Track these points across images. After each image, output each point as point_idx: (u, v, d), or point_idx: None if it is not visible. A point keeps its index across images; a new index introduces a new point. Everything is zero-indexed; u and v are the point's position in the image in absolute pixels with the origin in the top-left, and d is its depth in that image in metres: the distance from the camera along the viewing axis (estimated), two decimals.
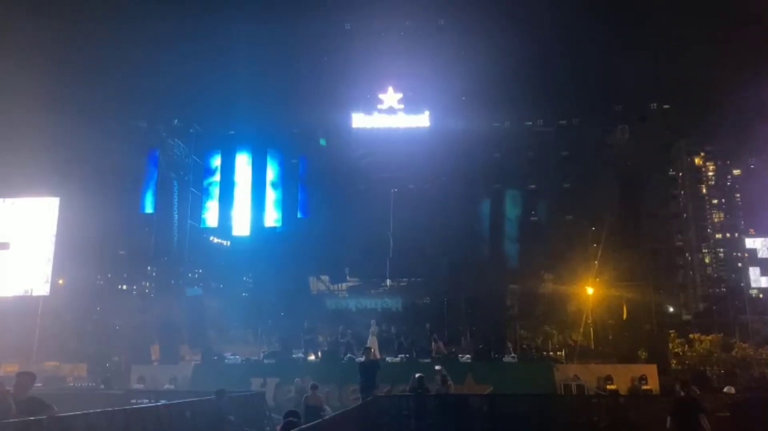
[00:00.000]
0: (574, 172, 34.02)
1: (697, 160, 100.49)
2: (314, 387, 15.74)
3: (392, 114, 33.30)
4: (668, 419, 10.95)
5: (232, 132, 33.60)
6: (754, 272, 43.66)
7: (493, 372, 21.85)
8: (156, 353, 27.48)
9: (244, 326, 34.70)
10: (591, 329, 32.39)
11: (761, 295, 54.38)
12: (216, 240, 38.14)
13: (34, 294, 34.02)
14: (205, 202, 32.81)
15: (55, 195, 35.27)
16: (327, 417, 13.16)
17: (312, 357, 24.69)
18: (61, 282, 40.01)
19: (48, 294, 34.25)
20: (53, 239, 33.92)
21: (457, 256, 31.74)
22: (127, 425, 11.37)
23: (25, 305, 34.82)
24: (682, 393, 12.38)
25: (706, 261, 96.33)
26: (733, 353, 35.89)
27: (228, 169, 32.87)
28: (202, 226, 33.07)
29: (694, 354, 36.27)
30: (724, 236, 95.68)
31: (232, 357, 25.51)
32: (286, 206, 32.76)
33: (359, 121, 33.14)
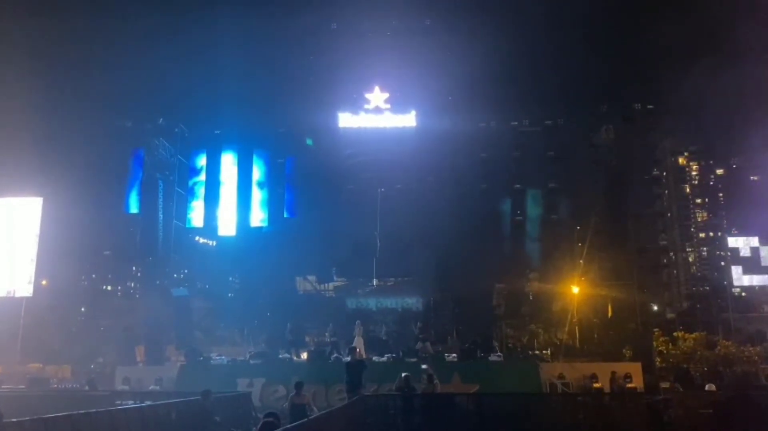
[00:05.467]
0: (559, 171, 34.23)
1: (681, 160, 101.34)
2: (299, 386, 15.70)
3: (379, 113, 33.34)
4: None
5: (218, 131, 33.49)
6: (736, 271, 44.15)
7: (480, 371, 21.90)
8: (141, 354, 27.28)
9: (230, 326, 34.56)
10: (576, 328, 32.55)
11: (744, 294, 54.98)
12: (202, 240, 37.96)
13: (17, 295, 33.68)
14: (190, 202, 32.67)
15: (38, 194, 34.94)
16: (312, 416, 13.15)
17: (299, 357, 24.64)
18: (44, 282, 39.57)
19: (31, 295, 33.91)
20: (36, 239, 33.60)
21: (443, 256, 31.82)
22: (112, 426, 11.32)
23: (8, 306, 34.44)
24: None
25: (690, 260, 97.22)
26: (717, 351, 36.23)
27: (213, 169, 32.75)
28: (187, 226, 32.91)
29: (678, 352, 36.56)
30: (707, 235, 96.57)
31: (218, 357, 25.38)
32: (273, 206, 32.68)
33: (346, 120, 33.15)
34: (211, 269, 38.59)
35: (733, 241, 45.41)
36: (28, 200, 34.30)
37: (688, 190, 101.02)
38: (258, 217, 32.47)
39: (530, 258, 33.87)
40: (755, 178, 78.55)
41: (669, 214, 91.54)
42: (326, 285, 37.38)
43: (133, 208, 31.29)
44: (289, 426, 9.80)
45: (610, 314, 29.22)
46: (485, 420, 14.82)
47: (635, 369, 23.22)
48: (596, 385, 22.04)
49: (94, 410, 11.80)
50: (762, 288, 47.85)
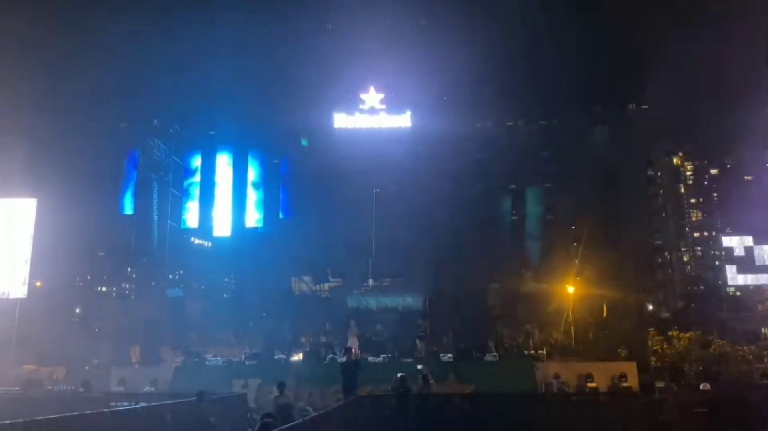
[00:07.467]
0: (554, 171, 34.32)
1: (675, 160, 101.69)
2: (281, 386, 15.76)
3: (374, 114, 33.31)
4: None
5: (213, 132, 33.45)
6: (730, 270, 44.23)
7: (475, 371, 21.91)
8: (136, 355, 27.21)
9: (225, 327, 34.49)
10: (572, 327, 32.63)
11: (738, 293, 55.14)
12: (197, 241, 37.84)
13: (11, 296, 33.50)
14: (185, 203, 32.61)
15: (32, 196, 34.76)
16: (308, 417, 13.14)
17: (296, 358, 24.63)
18: (38, 284, 39.37)
19: (25, 296, 33.74)
20: (31, 241, 33.40)
21: (439, 256, 31.84)
22: (107, 428, 11.28)
23: (2, 308, 34.25)
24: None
25: (685, 259, 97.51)
26: (711, 350, 36.33)
27: (208, 170, 32.72)
28: (182, 227, 32.85)
29: (673, 351, 36.64)
30: (701, 235, 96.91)
31: (213, 358, 25.33)
32: (268, 206, 32.67)
33: (341, 121, 33.12)
34: (206, 270, 38.50)
35: (727, 241, 45.48)
36: (21, 201, 34.12)
37: (682, 189, 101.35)
38: (253, 218, 32.45)
39: (525, 258, 33.92)
40: (749, 177, 78.92)
41: (664, 214, 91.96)
42: (322, 285, 37.32)
43: (128, 209, 31.24)
44: (285, 426, 9.79)
45: (605, 314, 29.31)
46: (481, 421, 14.82)
47: (630, 368, 23.26)
48: (591, 385, 22.09)
49: (89, 412, 11.75)
50: (756, 287, 48.07)
